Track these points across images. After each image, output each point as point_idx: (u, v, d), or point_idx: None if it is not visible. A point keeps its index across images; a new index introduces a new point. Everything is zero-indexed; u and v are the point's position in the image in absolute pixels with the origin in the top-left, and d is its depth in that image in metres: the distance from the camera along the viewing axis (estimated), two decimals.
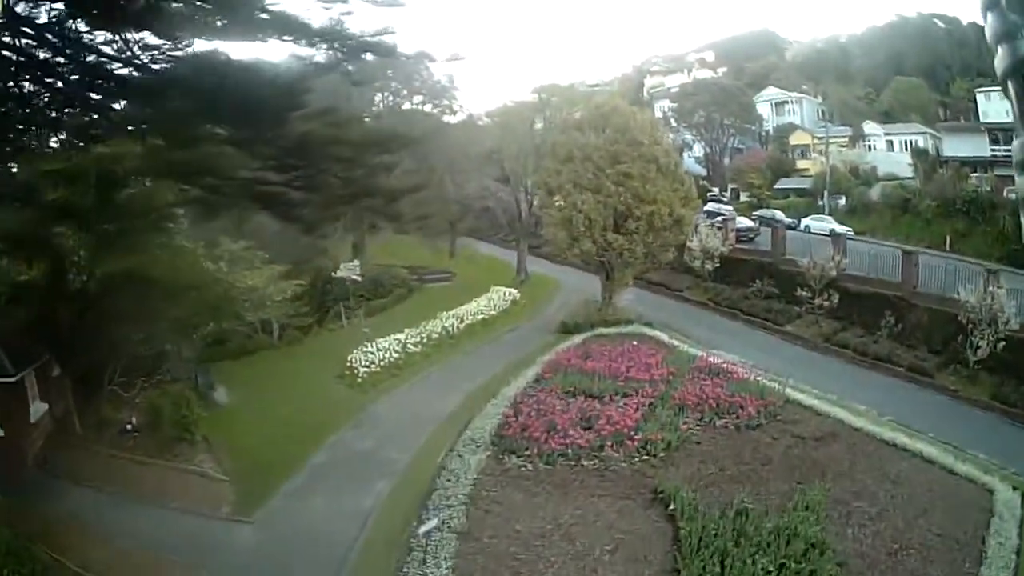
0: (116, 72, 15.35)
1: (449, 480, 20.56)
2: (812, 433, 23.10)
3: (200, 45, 14.71)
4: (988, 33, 11.48)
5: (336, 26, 16.01)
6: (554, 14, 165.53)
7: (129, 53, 15.16)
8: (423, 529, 16.41)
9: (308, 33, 15.50)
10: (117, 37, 14.57)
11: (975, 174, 55.01)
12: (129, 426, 25.09)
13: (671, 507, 18.31)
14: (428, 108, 55.85)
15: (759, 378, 27.63)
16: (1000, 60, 10.91)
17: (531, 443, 22.15)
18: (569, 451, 21.71)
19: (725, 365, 29.15)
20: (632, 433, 22.45)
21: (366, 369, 30.88)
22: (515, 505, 19.21)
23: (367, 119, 47.09)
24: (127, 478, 22.27)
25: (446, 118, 56.13)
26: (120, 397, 27.55)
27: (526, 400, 25.89)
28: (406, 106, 55.11)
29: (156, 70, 14.66)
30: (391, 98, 55.13)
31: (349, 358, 31.59)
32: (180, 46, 14.57)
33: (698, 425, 23.73)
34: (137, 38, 15.11)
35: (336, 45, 16.21)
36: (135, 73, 14.81)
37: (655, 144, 37.12)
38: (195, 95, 13.14)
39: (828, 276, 35.51)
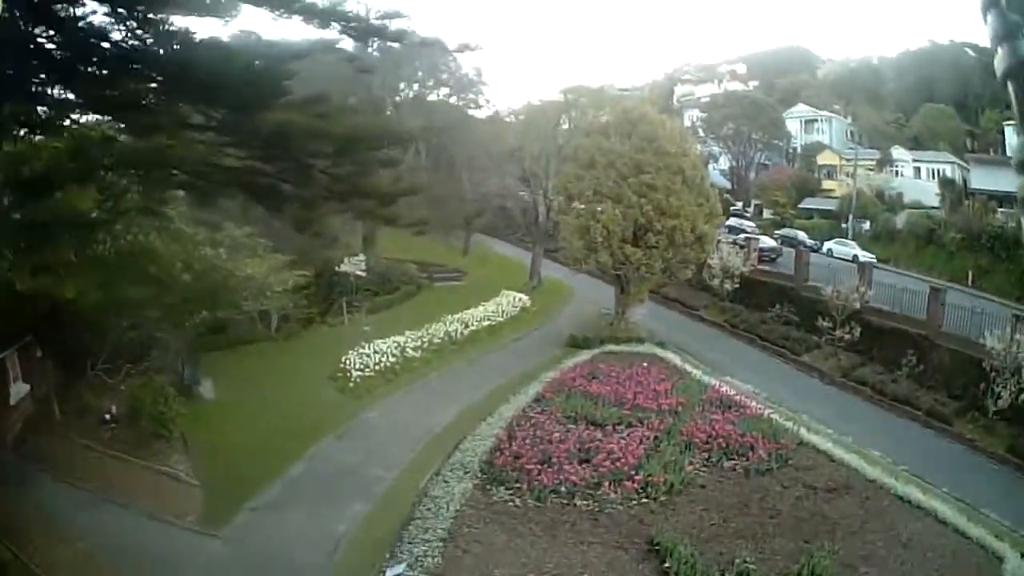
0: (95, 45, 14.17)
1: (430, 509, 19.13)
2: (824, 483, 21.56)
3: (177, 22, 13.38)
4: (988, 33, 10.08)
5: (340, 6, 14.95)
6: (589, 15, 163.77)
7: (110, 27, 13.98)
8: (389, 573, 15.17)
9: (312, 12, 14.42)
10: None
11: (1002, 209, 53.11)
12: (108, 416, 24.06)
13: (666, 564, 16.81)
14: (454, 100, 54.43)
15: (773, 414, 26.25)
16: (1000, 60, 9.49)
17: (522, 475, 20.61)
18: (563, 487, 20.08)
19: (738, 397, 27.71)
20: (633, 472, 20.91)
21: (359, 372, 29.48)
22: (496, 546, 17.65)
23: (388, 111, 46.02)
24: (99, 473, 21.17)
25: (471, 112, 54.76)
26: (104, 383, 26.48)
27: (523, 423, 24.43)
28: (431, 97, 53.75)
29: (122, 45, 13.37)
30: (416, 87, 53.77)
31: (344, 359, 30.23)
32: (150, 19, 13.18)
33: (704, 466, 22.26)
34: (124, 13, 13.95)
35: (341, 25, 15.15)
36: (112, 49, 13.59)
37: (682, 155, 35.59)
38: (160, 74, 11.93)
39: (851, 307, 33.86)
